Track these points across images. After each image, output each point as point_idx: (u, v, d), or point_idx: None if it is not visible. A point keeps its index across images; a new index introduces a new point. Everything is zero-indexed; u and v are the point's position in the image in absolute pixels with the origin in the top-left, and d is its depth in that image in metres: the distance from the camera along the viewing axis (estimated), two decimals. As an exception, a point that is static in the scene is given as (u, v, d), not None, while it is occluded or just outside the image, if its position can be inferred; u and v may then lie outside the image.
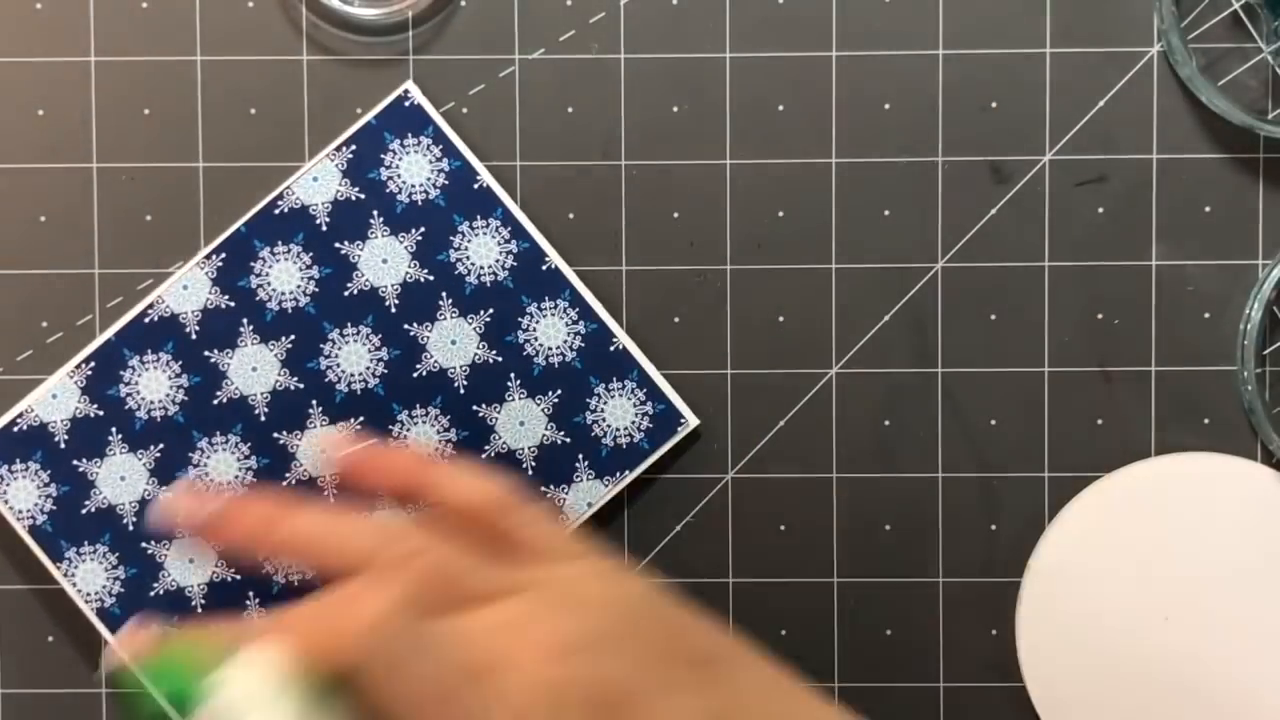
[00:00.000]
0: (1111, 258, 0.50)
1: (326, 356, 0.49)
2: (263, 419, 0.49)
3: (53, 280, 0.50)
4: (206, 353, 0.49)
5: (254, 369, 0.49)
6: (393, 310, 0.49)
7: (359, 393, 0.49)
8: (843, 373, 0.50)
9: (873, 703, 0.50)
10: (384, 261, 0.49)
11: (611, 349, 0.49)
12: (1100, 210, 0.50)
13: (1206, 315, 0.50)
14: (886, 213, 0.50)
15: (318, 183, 0.48)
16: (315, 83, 0.50)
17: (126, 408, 0.49)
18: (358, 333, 0.49)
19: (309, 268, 0.49)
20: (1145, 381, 0.50)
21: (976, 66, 0.49)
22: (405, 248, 0.49)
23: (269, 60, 0.50)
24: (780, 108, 0.49)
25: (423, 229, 0.49)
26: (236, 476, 0.49)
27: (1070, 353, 0.50)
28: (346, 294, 0.49)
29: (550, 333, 0.49)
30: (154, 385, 0.49)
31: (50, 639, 0.50)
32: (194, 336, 0.49)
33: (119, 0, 0.50)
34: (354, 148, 0.48)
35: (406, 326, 0.49)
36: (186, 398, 0.49)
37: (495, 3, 0.50)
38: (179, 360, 0.49)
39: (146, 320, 0.49)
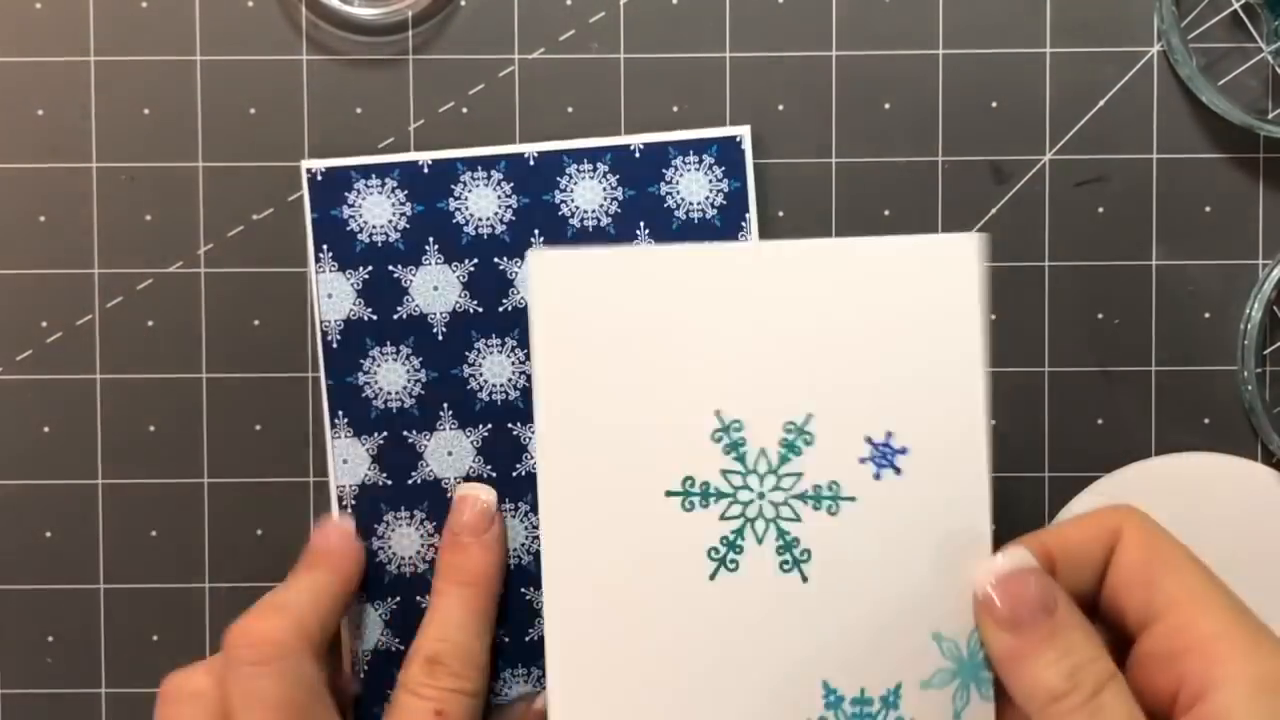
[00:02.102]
0: (1111, 258, 0.50)
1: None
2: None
3: (53, 280, 0.50)
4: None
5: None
6: None
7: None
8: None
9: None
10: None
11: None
12: (1100, 210, 0.50)
13: (1206, 315, 0.50)
14: (886, 213, 0.50)
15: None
16: (315, 83, 0.50)
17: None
18: None
19: None
20: (1145, 381, 0.50)
21: (976, 66, 0.49)
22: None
23: (269, 60, 0.50)
24: (780, 107, 0.49)
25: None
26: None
27: (1070, 353, 0.50)
28: None
29: None
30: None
31: (50, 639, 0.50)
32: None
33: (119, 0, 0.50)
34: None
35: None
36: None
37: (495, 3, 0.50)
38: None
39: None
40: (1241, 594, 0.49)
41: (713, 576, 0.42)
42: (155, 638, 0.50)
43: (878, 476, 0.42)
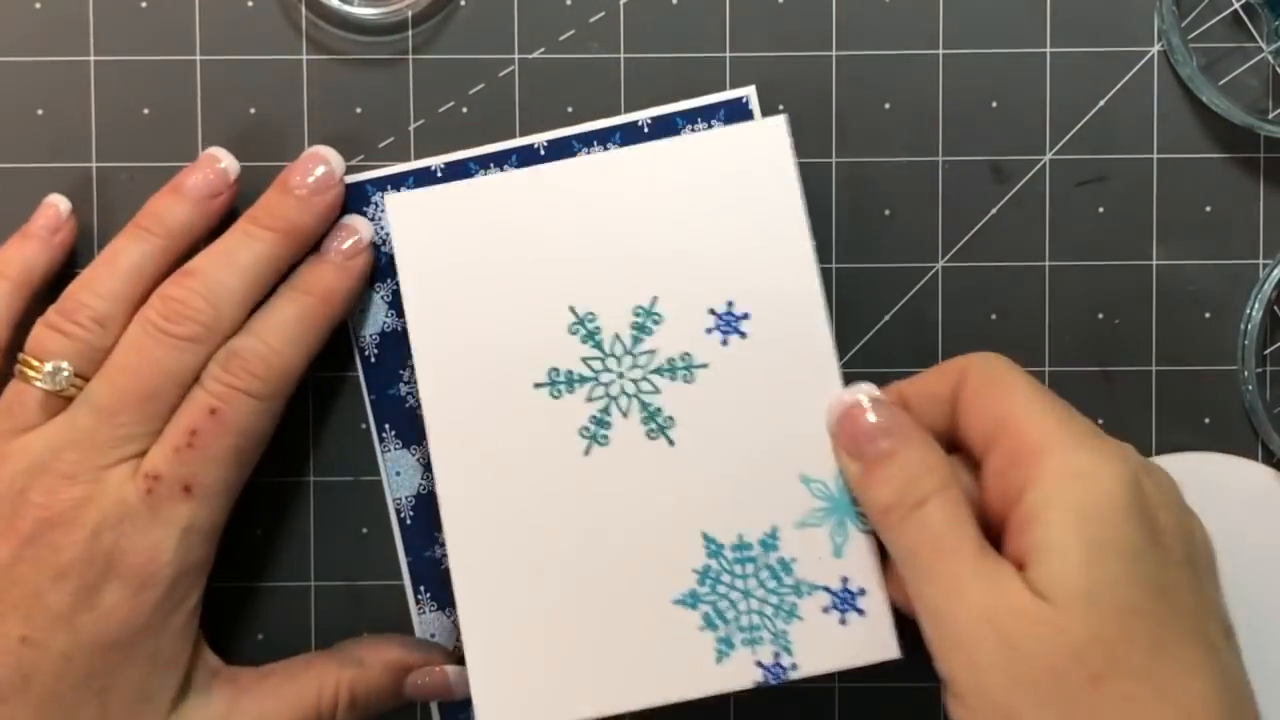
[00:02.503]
0: (1111, 258, 0.50)
1: None
2: None
3: (53, 280, 0.50)
4: None
5: None
6: None
7: None
8: (843, 372, 0.50)
9: (875, 704, 0.50)
10: None
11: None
12: (1100, 210, 0.50)
13: (1206, 315, 0.50)
14: (886, 213, 0.50)
15: None
16: (315, 83, 0.50)
17: None
18: None
19: None
20: (1145, 381, 0.50)
21: (976, 66, 0.49)
22: None
23: (269, 60, 0.50)
24: (780, 107, 0.49)
25: None
26: None
27: (1070, 353, 0.50)
28: None
29: None
30: None
31: (50, 639, 0.50)
32: None
33: (119, 0, 0.50)
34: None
35: None
36: None
37: (495, 3, 0.50)
38: None
39: None
40: (1242, 594, 0.49)
41: (587, 453, 0.46)
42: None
43: (725, 342, 0.46)
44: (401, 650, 0.47)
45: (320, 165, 0.47)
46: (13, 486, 0.43)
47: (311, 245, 0.47)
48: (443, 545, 0.48)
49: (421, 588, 0.49)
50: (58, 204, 0.47)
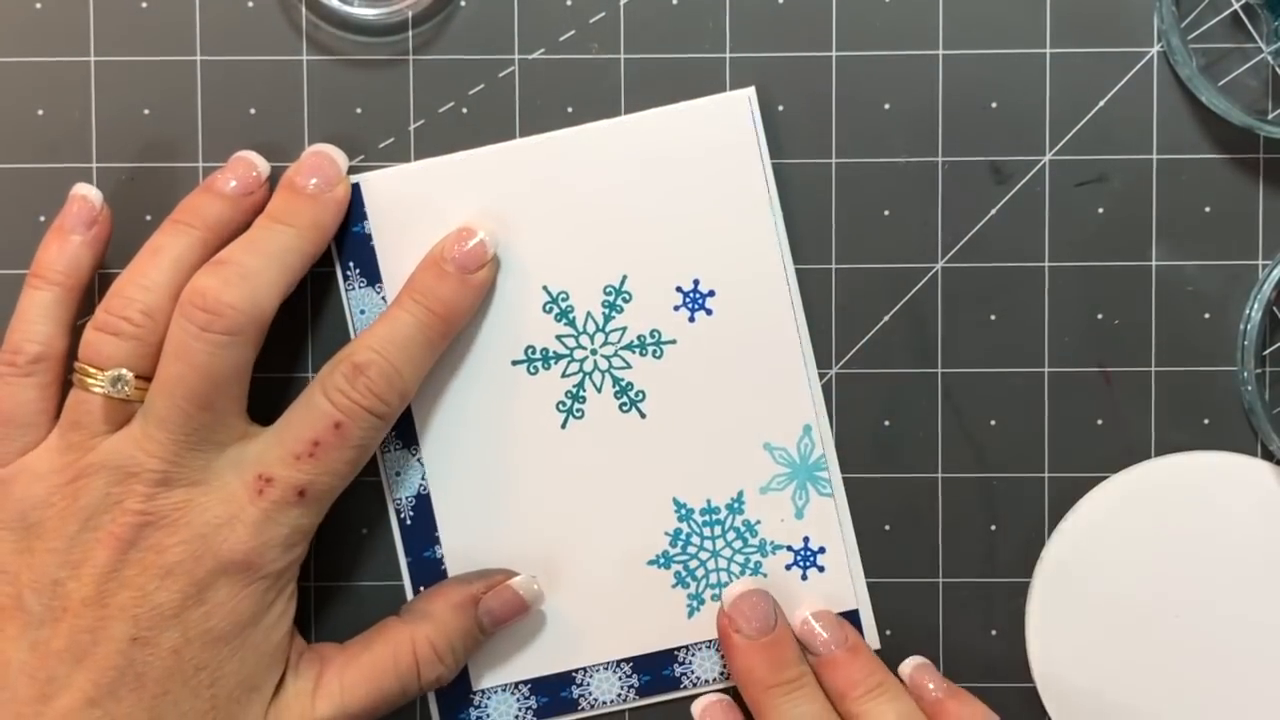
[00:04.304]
0: (1111, 258, 0.50)
1: None
2: None
3: (53, 280, 0.50)
4: None
5: None
6: None
7: None
8: (843, 373, 0.50)
9: (873, 703, 0.50)
10: None
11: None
12: (1100, 210, 0.50)
13: (1206, 315, 0.50)
14: (886, 213, 0.50)
15: None
16: (315, 83, 0.50)
17: None
18: None
19: None
20: (1145, 381, 0.50)
21: (976, 66, 0.49)
22: None
23: (269, 60, 0.50)
24: (780, 108, 0.49)
25: None
26: None
27: (1070, 353, 0.50)
28: None
29: None
30: None
31: (50, 639, 0.50)
32: None
33: (119, 0, 0.50)
34: None
35: None
36: None
37: (495, 3, 0.50)
38: None
39: None
40: (1242, 593, 0.49)
41: (564, 425, 0.49)
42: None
43: (692, 319, 0.48)
44: (462, 586, 0.48)
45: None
46: (106, 495, 0.43)
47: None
48: (443, 546, 0.49)
49: (421, 588, 0.49)
50: (87, 194, 0.47)
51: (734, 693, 0.49)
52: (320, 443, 0.44)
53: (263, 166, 0.48)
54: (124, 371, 0.44)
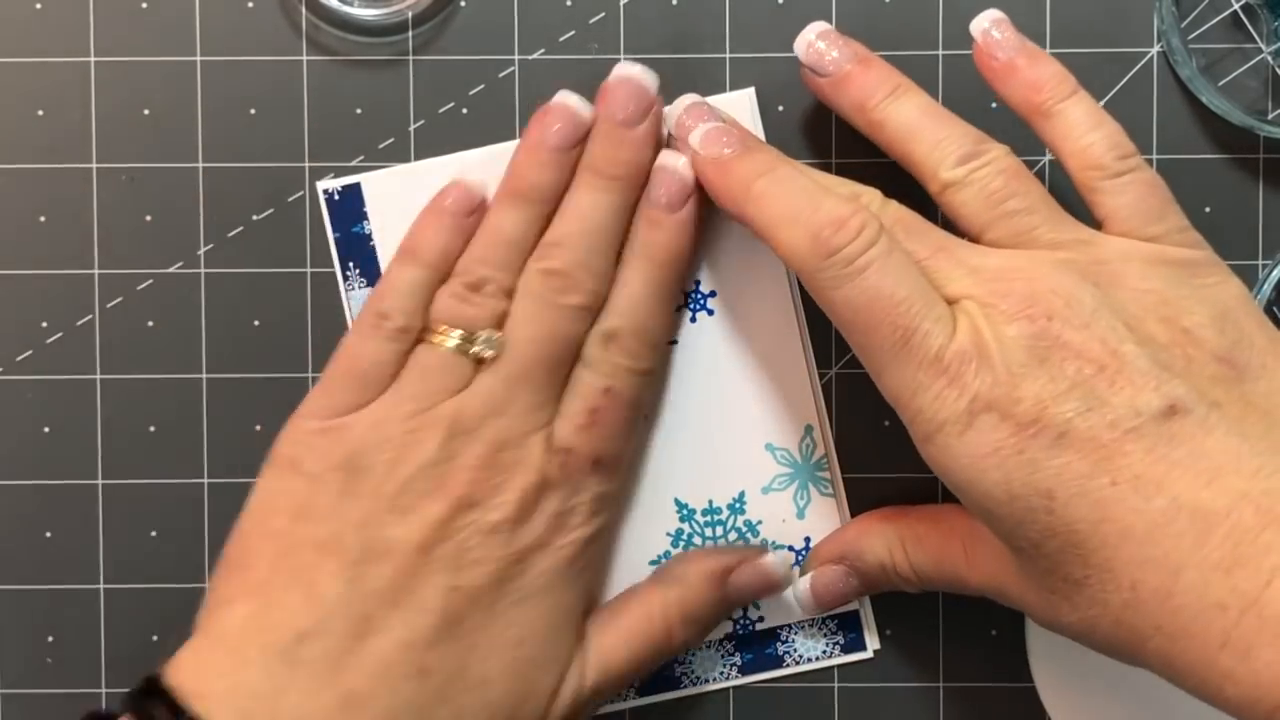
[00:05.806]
0: (1111, 258, 0.50)
1: None
2: None
3: (53, 280, 0.50)
4: None
5: None
6: None
7: None
8: (843, 373, 0.50)
9: (873, 703, 0.50)
10: None
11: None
12: (1100, 210, 0.50)
13: (1206, 315, 0.50)
14: (886, 213, 0.49)
15: None
16: (315, 83, 0.50)
17: None
18: None
19: None
20: (1145, 382, 0.50)
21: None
22: None
23: (269, 60, 0.50)
24: (780, 108, 0.49)
25: None
26: None
27: (1070, 353, 0.50)
28: None
29: None
30: None
31: (50, 639, 0.50)
32: None
33: (119, 0, 0.50)
34: None
35: None
36: None
37: (495, 3, 0.50)
38: None
39: None
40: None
41: None
42: (155, 638, 0.50)
43: (694, 320, 0.49)
44: (716, 556, 0.48)
45: (631, 97, 0.47)
46: (445, 450, 0.44)
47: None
48: None
49: None
50: (470, 187, 0.47)
51: (738, 690, 0.49)
52: (598, 409, 0.45)
53: (583, 108, 0.47)
54: (485, 332, 0.45)
